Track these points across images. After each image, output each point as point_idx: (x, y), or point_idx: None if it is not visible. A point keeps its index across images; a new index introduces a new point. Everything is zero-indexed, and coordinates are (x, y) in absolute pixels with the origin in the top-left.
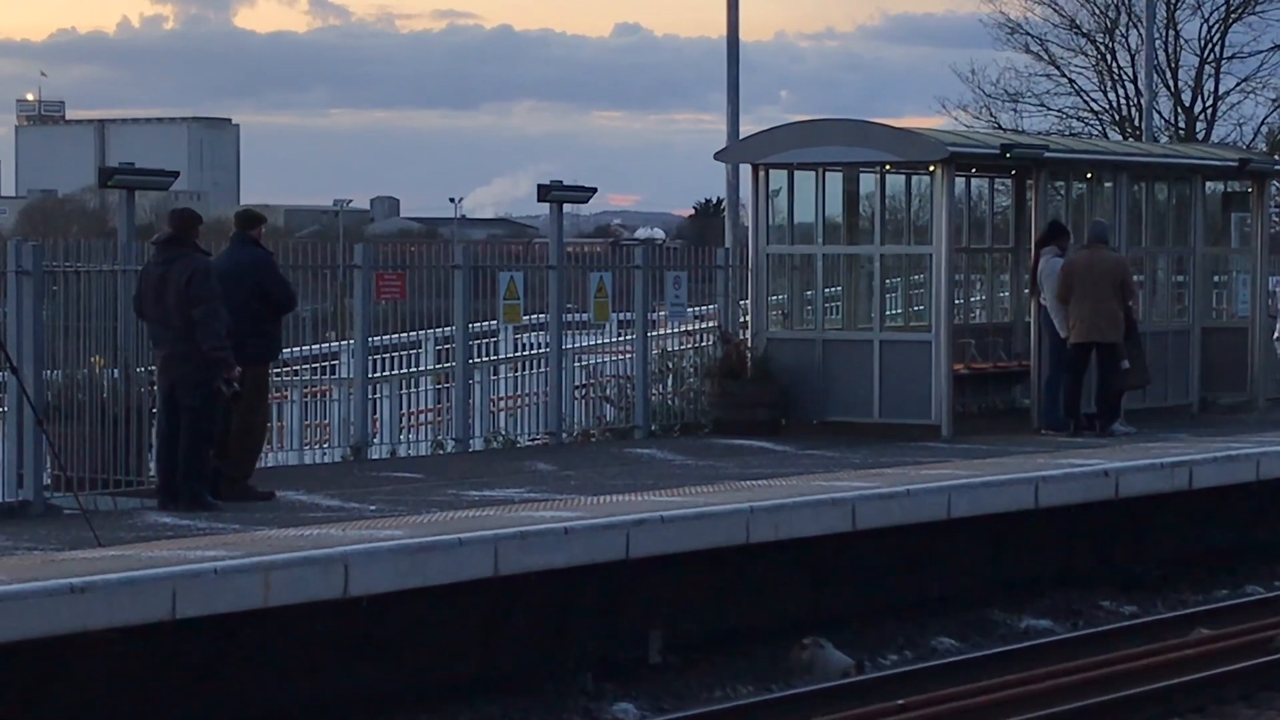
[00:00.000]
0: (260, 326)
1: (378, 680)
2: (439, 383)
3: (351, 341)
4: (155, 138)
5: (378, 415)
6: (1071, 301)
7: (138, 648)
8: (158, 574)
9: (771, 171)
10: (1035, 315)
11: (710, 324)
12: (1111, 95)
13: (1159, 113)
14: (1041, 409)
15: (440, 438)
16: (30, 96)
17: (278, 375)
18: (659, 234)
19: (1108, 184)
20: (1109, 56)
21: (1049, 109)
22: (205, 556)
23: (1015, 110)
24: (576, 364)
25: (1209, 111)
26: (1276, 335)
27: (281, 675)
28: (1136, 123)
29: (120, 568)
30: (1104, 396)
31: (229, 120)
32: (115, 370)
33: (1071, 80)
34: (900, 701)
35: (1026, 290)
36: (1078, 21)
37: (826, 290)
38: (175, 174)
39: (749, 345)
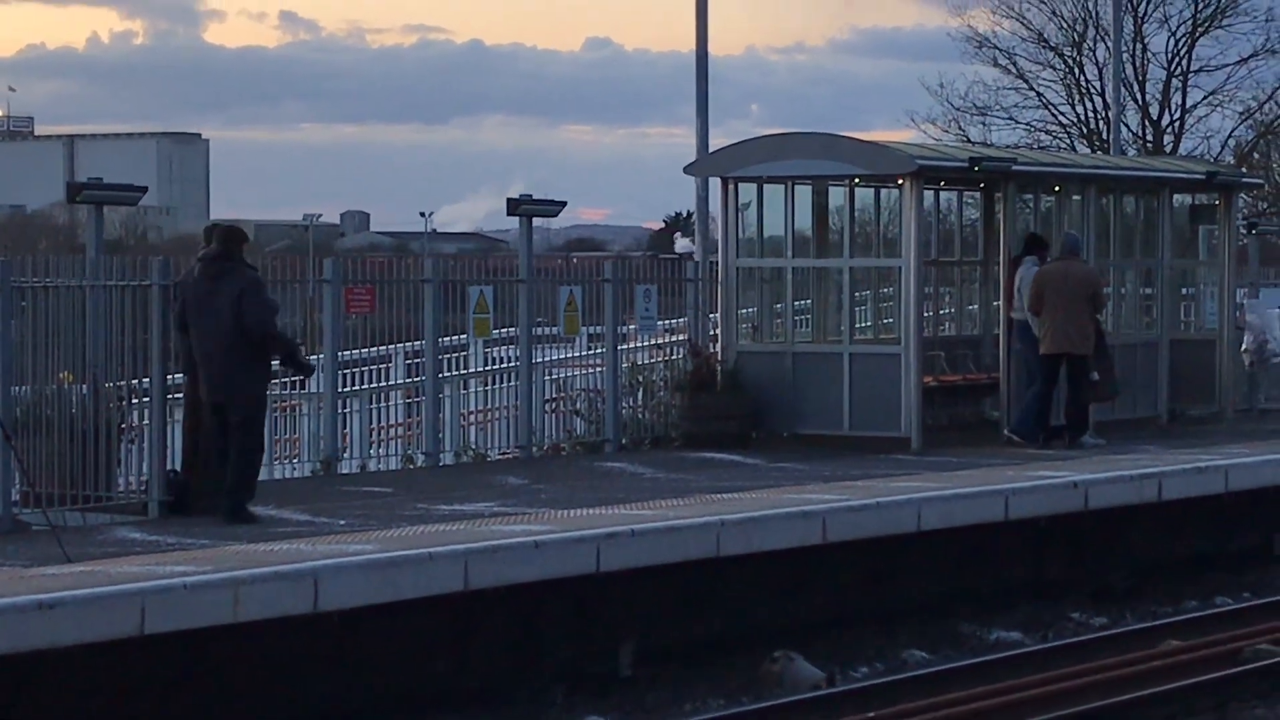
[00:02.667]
0: None
1: (349, 695)
2: (409, 397)
3: (321, 356)
4: (124, 153)
5: (347, 430)
6: (1043, 312)
7: (107, 663)
8: (127, 590)
9: (741, 185)
10: (1005, 327)
11: (680, 337)
12: (1079, 108)
13: (1127, 126)
14: (1013, 416)
15: (410, 452)
16: None
17: None
18: (690, 247)
19: (1076, 197)
20: (1077, 70)
21: (1017, 122)
22: (175, 572)
23: (984, 123)
24: (547, 378)
25: (1176, 124)
26: (1244, 347)
27: (252, 690)
28: (1104, 135)
29: (89, 584)
30: (1073, 408)
31: (198, 135)
32: (84, 386)
33: (1039, 93)
34: (871, 714)
35: (996, 302)
36: (1045, 35)
37: (796, 303)
38: (144, 189)
39: (719, 358)
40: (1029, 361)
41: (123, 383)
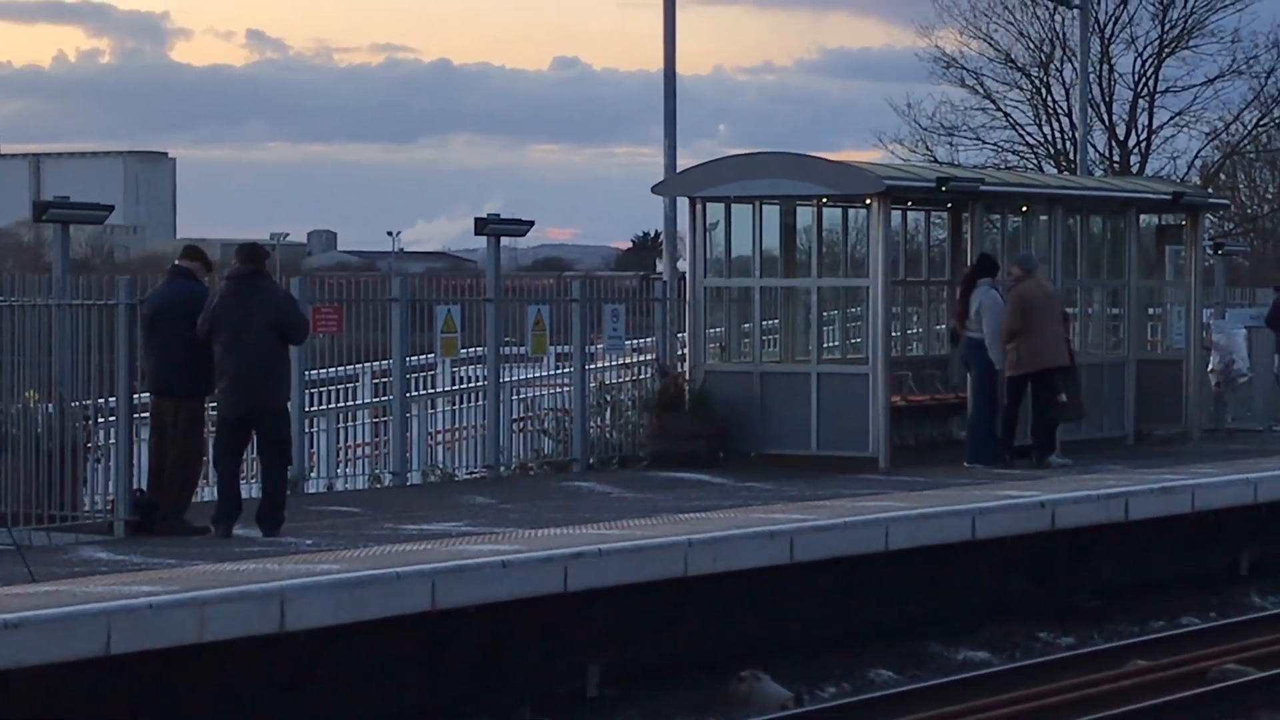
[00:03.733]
0: (194, 361)
1: (315, 715)
2: (376, 416)
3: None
4: (90, 171)
5: (315, 449)
6: (1030, 331)
7: (73, 683)
8: (93, 609)
9: (709, 204)
10: (960, 348)
11: (648, 357)
12: (1046, 129)
13: (1094, 146)
14: (970, 445)
15: (378, 471)
16: None
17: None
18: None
19: (1043, 217)
20: (1044, 90)
21: (985, 142)
22: (140, 592)
23: (951, 144)
24: (514, 397)
25: (1143, 145)
26: (1211, 367)
27: (218, 711)
28: (1071, 156)
29: (55, 603)
30: (1040, 428)
31: (165, 154)
32: (50, 405)
33: (1007, 114)
34: None
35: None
36: (1013, 56)
37: (764, 323)
38: (110, 208)
39: (687, 378)
40: (985, 384)
41: (89, 402)
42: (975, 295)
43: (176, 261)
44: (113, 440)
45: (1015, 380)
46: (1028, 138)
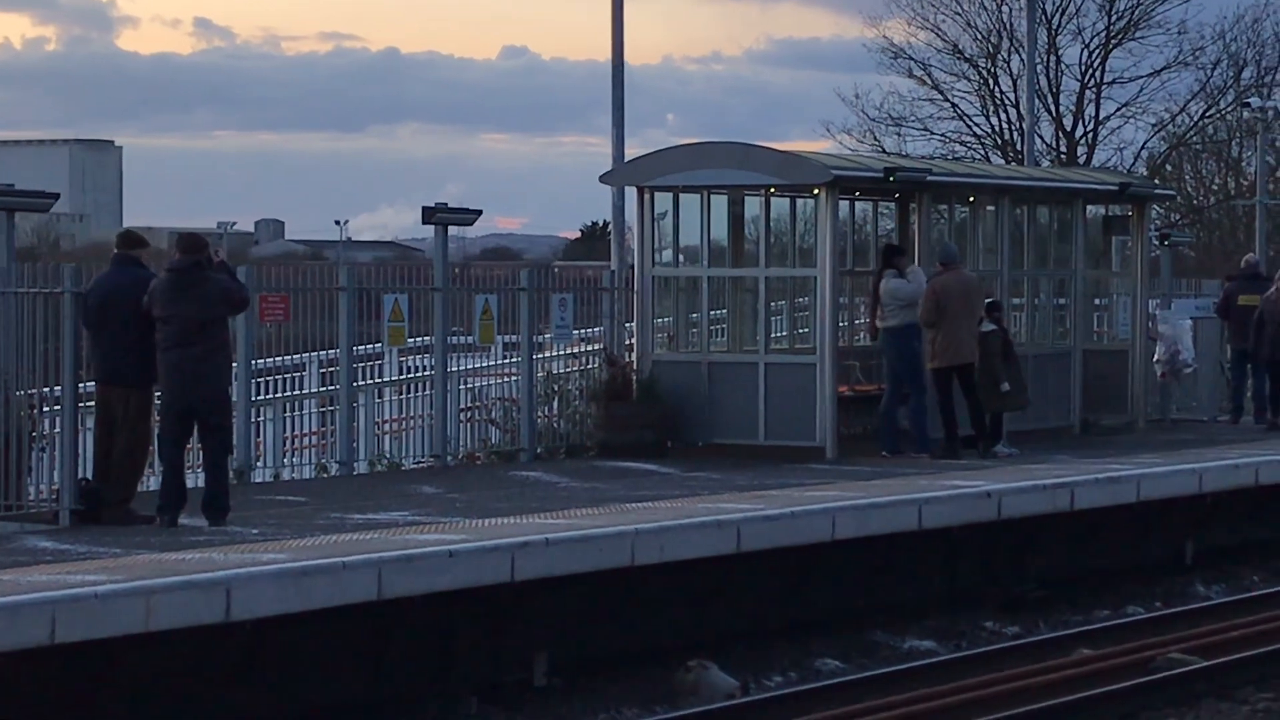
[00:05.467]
0: (142, 349)
1: (261, 704)
2: (323, 405)
3: (234, 364)
4: (37, 159)
5: (261, 438)
6: (944, 324)
7: (17, 673)
8: (37, 598)
9: (657, 194)
10: (879, 340)
11: (596, 346)
12: (994, 119)
13: (1041, 137)
14: (882, 432)
15: (324, 461)
16: None
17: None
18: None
19: (990, 207)
20: (991, 81)
21: (932, 133)
22: (86, 581)
23: (899, 134)
24: (462, 386)
25: (1090, 136)
26: (1157, 358)
27: (163, 700)
28: (1018, 147)
29: None
30: (979, 418)
31: (111, 142)
32: None
33: (954, 105)
34: None
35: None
36: (960, 47)
37: (712, 313)
38: (56, 195)
39: (634, 368)
40: (899, 373)
41: (34, 390)
42: (883, 286)
43: (118, 249)
44: (58, 429)
45: (937, 373)
46: (975, 128)
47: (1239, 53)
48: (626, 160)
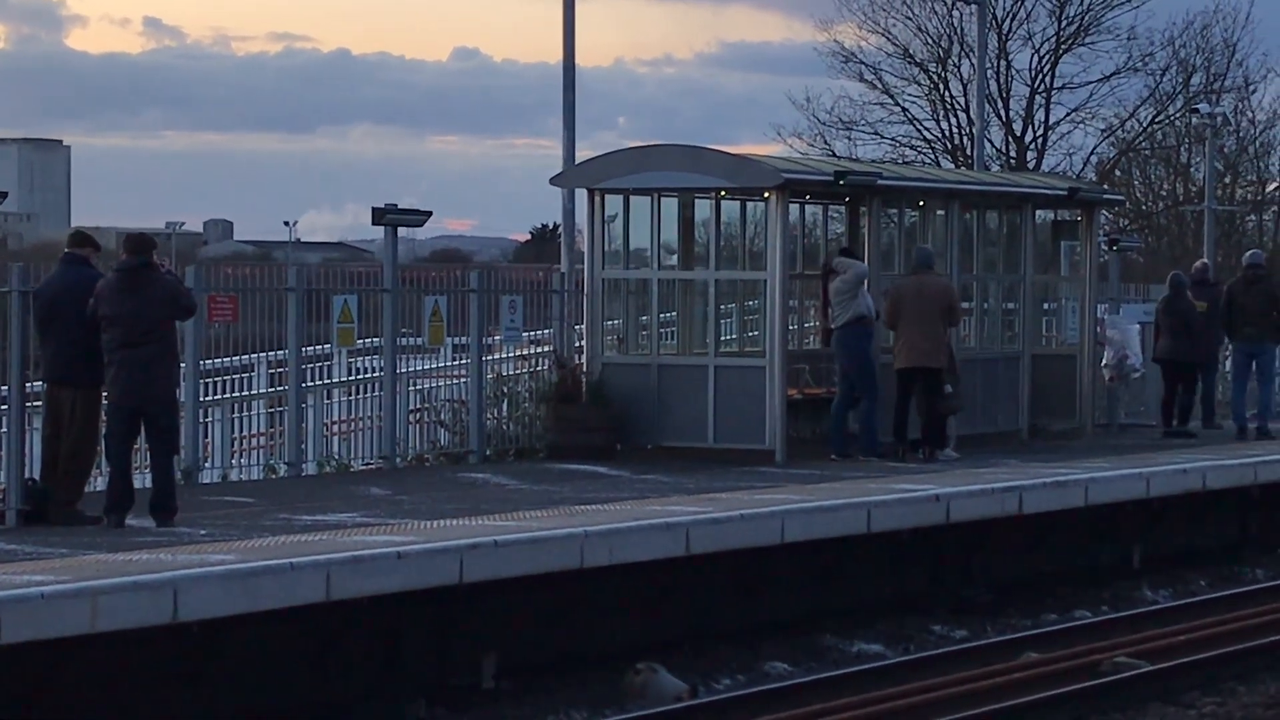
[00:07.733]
0: (91, 349)
1: (208, 706)
2: (272, 406)
3: (182, 364)
4: None
5: (209, 439)
6: (899, 327)
7: None
8: None
9: (607, 196)
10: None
11: (546, 348)
12: (944, 124)
13: (990, 142)
14: (832, 435)
15: (273, 462)
16: None
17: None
18: None
19: (940, 212)
20: (941, 86)
21: (883, 137)
22: (32, 581)
23: (850, 138)
24: (411, 388)
25: (1039, 141)
26: (1105, 362)
27: (109, 701)
28: (968, 151)
29: None
30: (930, 422)
31: (60, 141)
32: None
33: (905, 109)
34: None
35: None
36: (911, 51)
37: (662, 315)
38: (4, 195)
39: (584, 370)
40: (849, 374)
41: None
42: (832, 285)
43: (68, 249)
44: (5, 429)
45: (898, 374)
46: (925, 133)
47: (1188, 59)
48: (577, 163)
